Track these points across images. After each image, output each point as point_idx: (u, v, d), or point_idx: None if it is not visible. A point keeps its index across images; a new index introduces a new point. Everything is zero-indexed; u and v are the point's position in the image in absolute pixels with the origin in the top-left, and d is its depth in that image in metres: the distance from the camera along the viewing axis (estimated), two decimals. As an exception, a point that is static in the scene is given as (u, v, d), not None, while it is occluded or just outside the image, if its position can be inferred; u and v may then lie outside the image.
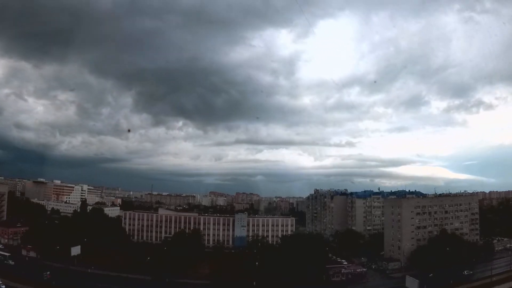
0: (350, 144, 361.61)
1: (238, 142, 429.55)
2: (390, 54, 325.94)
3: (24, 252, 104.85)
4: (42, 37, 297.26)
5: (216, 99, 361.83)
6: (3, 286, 70.17)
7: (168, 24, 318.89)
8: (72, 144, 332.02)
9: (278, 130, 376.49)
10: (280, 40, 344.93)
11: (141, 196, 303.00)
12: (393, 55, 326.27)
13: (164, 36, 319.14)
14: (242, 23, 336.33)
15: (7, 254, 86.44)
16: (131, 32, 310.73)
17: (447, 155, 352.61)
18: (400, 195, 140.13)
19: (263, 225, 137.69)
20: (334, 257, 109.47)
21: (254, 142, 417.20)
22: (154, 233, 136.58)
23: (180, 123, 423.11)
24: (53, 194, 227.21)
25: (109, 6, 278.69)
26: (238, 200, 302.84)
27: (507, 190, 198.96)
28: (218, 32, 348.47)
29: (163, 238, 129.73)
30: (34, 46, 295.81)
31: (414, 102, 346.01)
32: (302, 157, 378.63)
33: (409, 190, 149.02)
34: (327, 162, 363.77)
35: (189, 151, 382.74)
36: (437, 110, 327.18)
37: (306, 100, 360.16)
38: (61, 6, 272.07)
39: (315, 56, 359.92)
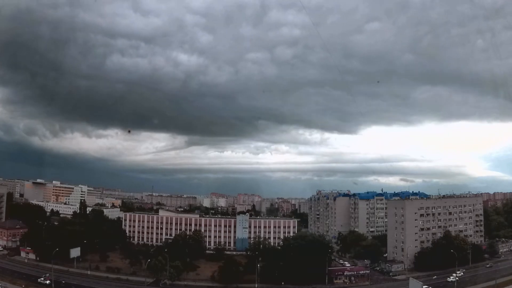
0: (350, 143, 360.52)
1: (238, 142, 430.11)
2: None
3: (23, 254, 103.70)
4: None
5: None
6: None
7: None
8: (70, 144, 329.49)
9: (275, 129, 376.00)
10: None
11: (142, 197, 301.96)
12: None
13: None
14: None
15: None
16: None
17: (467, 151, 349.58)
18: (404, 196, 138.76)
19: (265, 227, 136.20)
20: (337, 259, 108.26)
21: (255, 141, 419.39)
22: (154, 235, 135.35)
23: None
24: (53, 195, 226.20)
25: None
26: (240, 201, 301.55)
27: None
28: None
29: (163, 239, 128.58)
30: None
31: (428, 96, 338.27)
32: (302, 157, 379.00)
33: (412, 191, 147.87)
34: (328, 160, 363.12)
35: (188, 152, 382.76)
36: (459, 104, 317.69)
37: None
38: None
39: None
